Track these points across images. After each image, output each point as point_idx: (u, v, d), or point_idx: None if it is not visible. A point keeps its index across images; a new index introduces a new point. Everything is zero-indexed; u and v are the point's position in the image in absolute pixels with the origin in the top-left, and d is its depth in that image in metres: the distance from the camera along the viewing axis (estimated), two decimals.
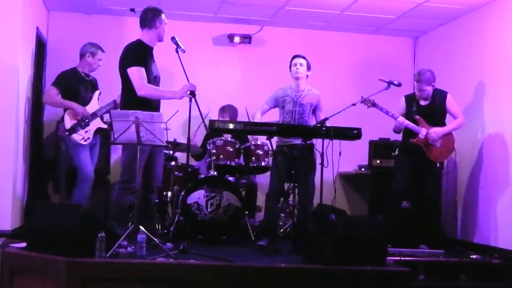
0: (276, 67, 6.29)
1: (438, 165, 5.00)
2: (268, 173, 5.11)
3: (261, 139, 5.23)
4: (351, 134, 4.55)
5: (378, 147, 5.86)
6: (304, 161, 4.78)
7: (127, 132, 3.88)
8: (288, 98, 4.90)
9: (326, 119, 4.51)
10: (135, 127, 3.86)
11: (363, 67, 6.63)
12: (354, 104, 4.61)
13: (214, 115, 5.87)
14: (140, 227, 3.80)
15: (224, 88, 6.37)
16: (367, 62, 6.65)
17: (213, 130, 4.52)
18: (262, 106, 5.00)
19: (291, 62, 4.92)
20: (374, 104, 4.89)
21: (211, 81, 6.24)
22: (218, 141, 5.29)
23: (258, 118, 4.87)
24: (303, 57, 4.89)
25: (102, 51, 5.06)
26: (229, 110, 5.89)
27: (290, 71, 4.92)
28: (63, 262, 3.36)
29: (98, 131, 4.93)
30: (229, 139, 5.38)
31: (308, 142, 4.77)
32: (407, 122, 4.94)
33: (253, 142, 5.31)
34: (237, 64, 6.56)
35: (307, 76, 4.91)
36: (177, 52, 4.28)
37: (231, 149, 5.28)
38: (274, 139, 4.90)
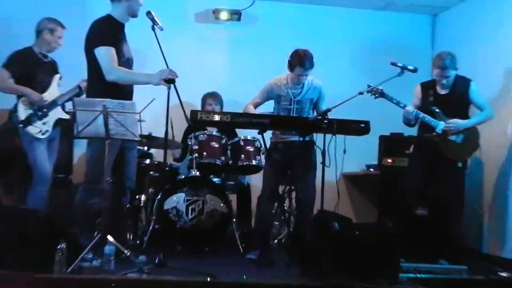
0: (270, 49, 6.31)
1: (459, 164, 5.01)
2: (260, 173, 5.13)
3: (252, 134, 5.24)
4: (358, 128, 4.55)
5: (390, 144, 5.88)
6: (302, 159, 4.80)
7: (93, 124, 3.89)
8: (284, 96, 4.95)
9: (329, 110, 4.53)
10: (103, 118, 3.88)
11: (372, 50, 6.65)
12: (361, 93, 4.63)
13: (197, 104, 5.87)
14: (108, 236, 3.80)
15: (208, 73, 6.36)
16: (376, 44, 6.67)
17: (196, 122, 4.51)
18: (254, 98, 5.02)
19: (293, 65, 4.83)
20: (382, 94, 4.89)
21: (193, 64, 6.22)
22: (201, 135, 5.29)
23: (250, 111, 4.88)
24: (311, 64, 4.80)
25: (63, 27, 5.02)
26: (216, 98, 5.90)
27: (290, 70, 4.89)
28: (13, 277, 3.32)
29: (58, 122, 4.90)
30: (214, 133, 5.38)
31: (307, 138, 4.78)
32: (416, 111, 4.92)
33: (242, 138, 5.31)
34: (224, 45, 6.55)
35: None
36: (153, 30, 4.28)
37: (216, 145, 5.28)
38: (268, 135, 4.92)
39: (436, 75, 5.02)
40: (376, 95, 4.89)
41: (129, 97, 4.25)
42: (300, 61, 4.80)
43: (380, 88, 4.83)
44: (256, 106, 5.01)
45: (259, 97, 5.04)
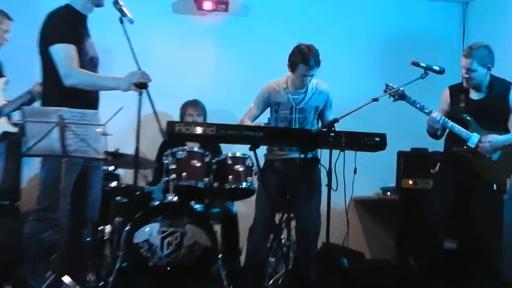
0: (265, 46, 6.35)
1: (495, 186, 5.04)
2: (252, 198, 5.16)
3: (242, 150, 5.26)
4: (372, 142, 4.60)
5: (411, 162, 5.92)
6: (304, 181, 4.83)
7: (47, 138, 3.86)
8: (284, 103, 4.98)
9: (336, 120, 4.53)
10: (59, 132, 3.86)
11: (390, 46, 6.73)
12: (375, 99, 4.63)
13: (175, 114, 5.90)
14: (65, 277, 3.79)
15: (189, 76, 6.41)
16: (395, 39, 6.74)
17: (173, 136, 4.55)
18: (250, 109, 5.06)
19: (295, 64, 4.86)
20: (403, 96, 4.94)
21: (170, 66, 6.27)
22: (180, 152, 5.29)
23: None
24: (316, 62, 4.84)
25: (10, 19, 5.05)
26: (198, 107, 5.94)
27: (291, 71, 4.92)
28: None
29: (3, 136, 4.92)
30: (196, 149, 5.39)
31: (310, 154, 4.83)
32: (444, 119, 4.95)
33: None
34: (209, 42, 6.60)
35: None
36: (121, 22, 4.28)
37: (198, 164, 5.27)
38: (261, 151, 4.96)
39: (462, 73, 5.06)
40: (396, 97, 4.94)
41: (94, 106, 4.25)
42: (304, 57, 4.81)
43: (401, 89, 4.89)
44: (254, 118, 5.05)
45: (256, 106, 5.05)
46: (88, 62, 4.27)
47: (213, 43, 6.62)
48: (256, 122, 5.08)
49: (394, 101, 4.96)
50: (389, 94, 4.90)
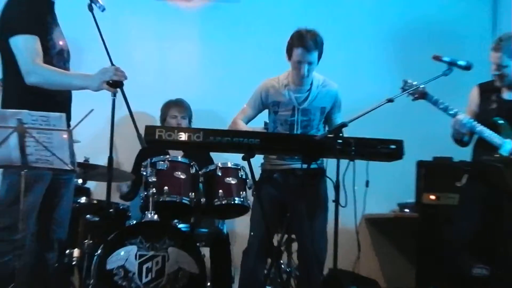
0: (260, 38, 6.36)
1: None
2: (246, 217, 5.18)
3: (235, 159, 5.26)
4: (387, 150, 4.58)
5: (433, 173, 5.93)
6: (307, 196, 4.84)
7: (5, 146, 3.86)
8: (284, 103, 5.00)
9: (344, 125, 4.53)
10: (18, 138, 3.86)
11: (408, 38, 6.76)
12: (390, 100, 4.64)
13: (155, 117, 5.91)
14: None
15: (172, 72, 6.45)
16: (414, 29, 6.77)
17: (153, 143, 4.54)
18: (243, 110, 5.09)
19: (291, 49, 4.92)
20: (424, 95, 4.97)
21: (150, 60, 6.31)
22: (161, 162, 5.30)
23: (239, 128, 4.95)
24: (316, 45, 4.87)
25: None
26: (182, 108, 5.97)
27: (289, 60, 4.97)
28: None
29: None
30: (180, 158, 5.41)
31: (315, 164, 4.83)
32: (472, 122, 4.97)
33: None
34: (194, 31, 6.64)
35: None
36: (90, 10, 4.26)
37: (182, 176, 5.27)
38: (257, 160, 4.97)
39: (492, 69, 5.07)
40: (415, 96, 4.97)
41: (65, 108, 4.22)
42: (301, 39, 4.86)
43: (422, 86, 4.91)
44: (248, 120, 5.08)
45: (251, 106, 5.09)
46: (57, 55, 4.24)
47: (199, 33, 6.65)
48: (251, 126, 5.08)
49: (413, 100, 4.99)
50: (408, 92, 4.91)
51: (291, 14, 6.54)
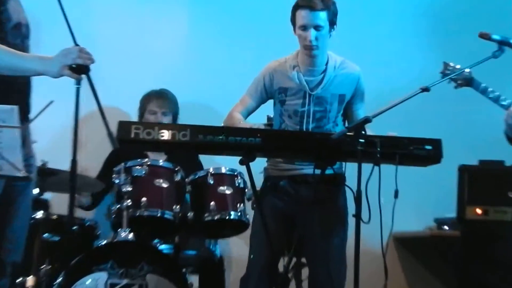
0: (257, 15, 6.38)
1: None
2: (244, 236, 5.18)
3: (231, 164, 5.26)
4: (421, 152, 4.57)
5: (480, 181, 5.92)
6: (321, 210, 4.85)
7: None
8: (293, 88, 5.00)
9: (368, 120, 4.50)
10: None
11: (447, 14, 6.79)
12: (425, 89, 4.62)
13: (132, 111, 5.92)
14: None
15: (153, 57, 6.48)
16: (455, 2, 6.79)
17: (127, 143, 4.54)
18: (242, 100, 5.11)
19: (295, 14, 4.95)
20: (470, 81, 4.98)
21: (125, 41, 6.32)
22: (138, 167, 5.31)
23: (236, 123, 4.95)
24: (323, 6, 4.88)
25: None
26: (165, 100, 5.99)
27: (296, 33, 4.98)
28: None
29: None
30: (162, 163, 5.41)
31: (330, 170, 4.81)
32: None
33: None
34: (180, 8, 6.68)
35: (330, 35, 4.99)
36: None
37: (165, 185, 5.29)
38: (259, 164, 4.96)
39: None
40: (459, 82, 4.98)
41: (21, 99, 4.24)
42: (300, 5, 4.88)
43: (468, 70, 4.90)
44: (248, 113, 5.09)
45: (251, 95, 5.10)
46: (12, 30, 4.24)
47: (186, 11, 6.70)
48: (251, 121, 5.07)
49: (455, 87, 5.00)
50: (450, 77, 4.90)
51: None
